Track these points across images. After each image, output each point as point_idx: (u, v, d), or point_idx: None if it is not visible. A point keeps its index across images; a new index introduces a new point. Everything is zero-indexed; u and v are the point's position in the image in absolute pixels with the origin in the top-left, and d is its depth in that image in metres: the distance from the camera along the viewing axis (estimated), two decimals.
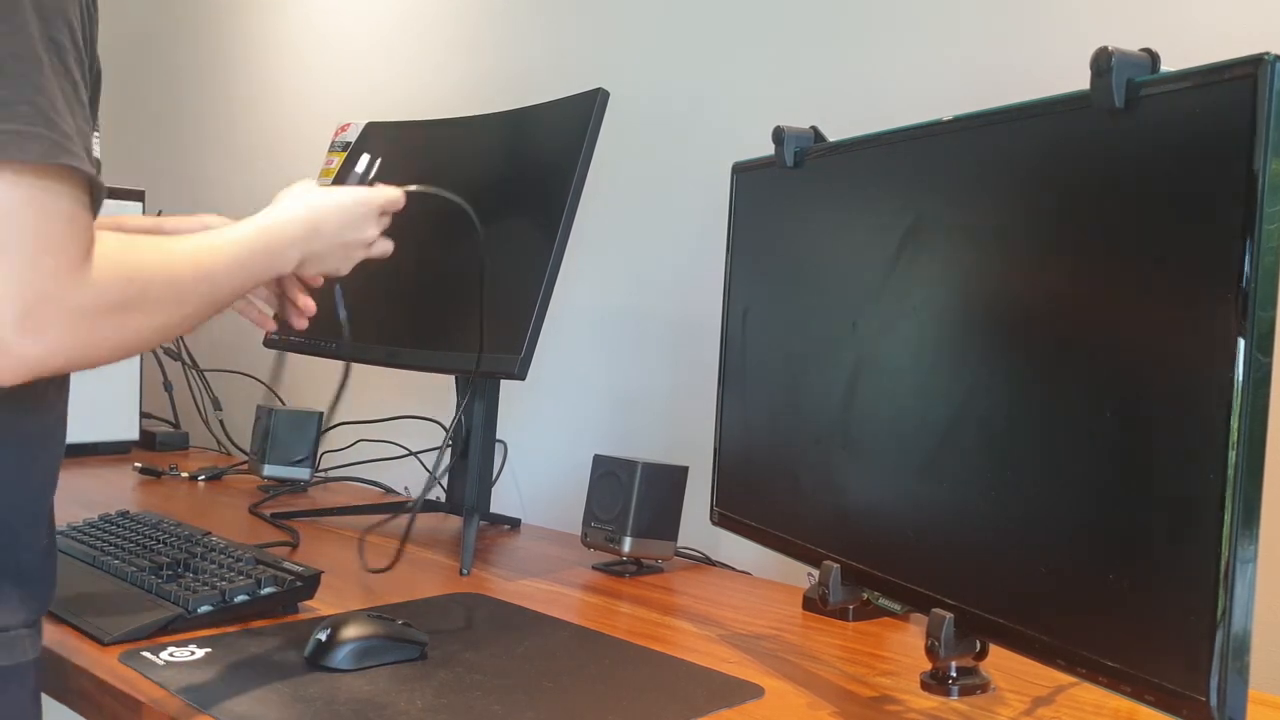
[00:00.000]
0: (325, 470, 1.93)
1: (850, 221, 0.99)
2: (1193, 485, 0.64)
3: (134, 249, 0.76)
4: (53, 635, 0.98)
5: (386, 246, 1.09)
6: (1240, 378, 0.61)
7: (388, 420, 1.87)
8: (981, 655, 0.83)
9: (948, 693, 0.84)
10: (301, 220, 0.97)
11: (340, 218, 1.01)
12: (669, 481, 1.35)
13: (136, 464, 1.97)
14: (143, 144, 2.70)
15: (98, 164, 0.75)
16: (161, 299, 0.77)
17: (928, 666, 0.85)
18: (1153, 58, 0.70)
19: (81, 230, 0.71)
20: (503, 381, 1.49)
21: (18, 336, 0.67)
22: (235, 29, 2.47)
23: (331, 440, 1.95)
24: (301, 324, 1.05)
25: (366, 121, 1.67)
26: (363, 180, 1.11)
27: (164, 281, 0.78)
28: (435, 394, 1.80)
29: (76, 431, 1.96)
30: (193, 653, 0.96)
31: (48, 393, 0.84)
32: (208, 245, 0.84)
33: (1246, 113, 0.62)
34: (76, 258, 0.70)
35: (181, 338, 2.30)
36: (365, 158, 1.16)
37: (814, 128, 1.07)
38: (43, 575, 0.86)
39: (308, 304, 1.05)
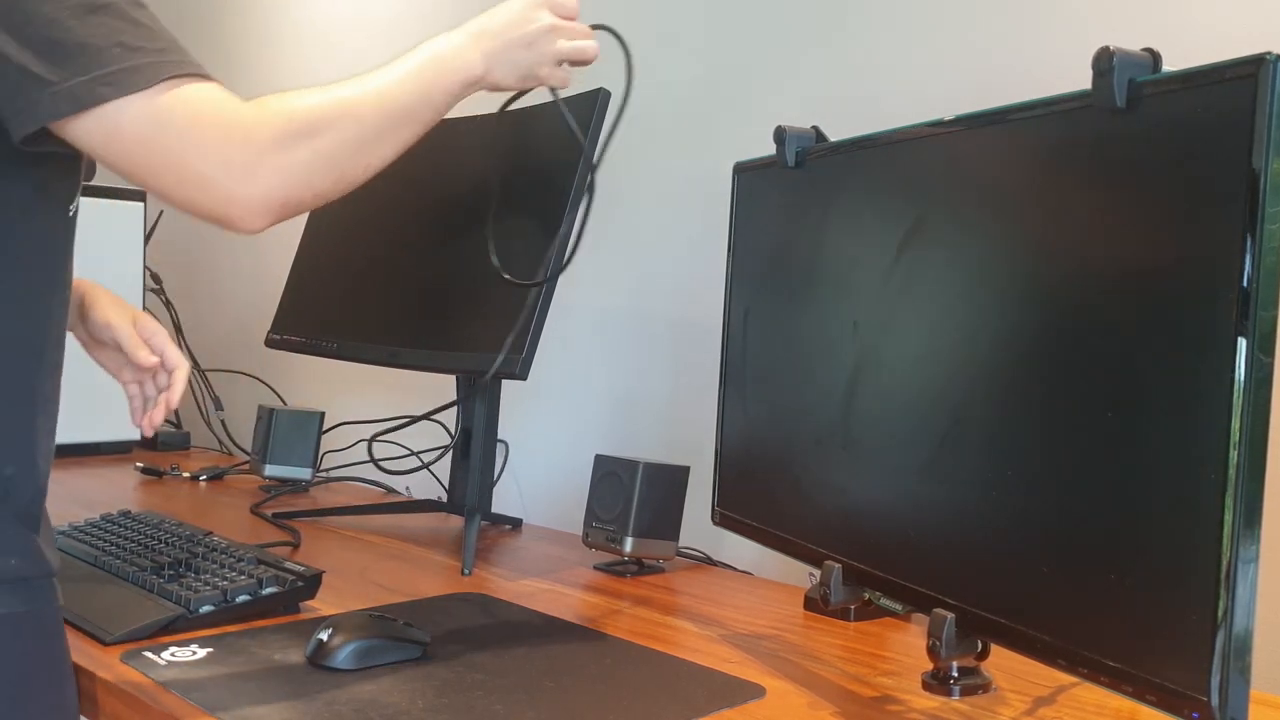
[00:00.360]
0: (326, 470, 1.93)
1: (851, 221, 0.99)
2: (1194, 485, 0.64)
3: (288, 92, 0.85)
4: None
5: (586, 46, 1.09)
6: (1242, 378, 0.61)
7: (389, 421, 1.87)
8: (983, 655, 0.83)
9: (949, 693, 0.84)
10: (463, 30, 1.01)
11: (505, 15, 1.04)
12: (670, 481, 1.35)
13: (138, 464, 1.97)
14: None
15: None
16: (334, 117, 0.85)
17: (929, 666, 0.85)
18: (1154, 57, 0.70)
19: (226, 95, 0.81)
20: (504, 381, 1.49)
21: (235, 187, 0.80)
22: (236, 28, 2.48)
23: (333, 440, 1.95)
24: (148, 430, 1.09)
25: None
26: None
27: (328, 103, 0.86)
28: (436, 394, 1.80)
29: (77, 431, 1.98)
30: (194, 652, 0.96)
31: (54, 351, 0.88)
32: (370, 72, 0.92)
33: (1247, 112, 0.62)
34: (237, 112, 0.80)
35: (182, 338, 2.31)
36: None
37: (815, 127, 1.07)
38: (50, 527, 0.89)
39: (155, 417, 1.08)
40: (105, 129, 0.76)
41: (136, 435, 2.14)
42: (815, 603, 1.20)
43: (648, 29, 1.64)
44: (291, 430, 1.80)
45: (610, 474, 1.35)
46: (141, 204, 2.13)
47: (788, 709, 0.90)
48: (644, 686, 0.92)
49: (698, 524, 1.35)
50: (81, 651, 0.95)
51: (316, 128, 0.84)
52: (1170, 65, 0.69)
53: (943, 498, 0.84)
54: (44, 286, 0.85)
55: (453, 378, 1.54)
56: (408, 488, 1.86)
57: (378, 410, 1.92)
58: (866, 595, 0.97)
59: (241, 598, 1.05)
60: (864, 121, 1.08)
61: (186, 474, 1.92)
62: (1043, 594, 0.74)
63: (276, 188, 0.82)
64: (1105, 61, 0.71)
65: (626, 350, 1.64)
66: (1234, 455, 0.61)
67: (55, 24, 0.74)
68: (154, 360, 1.04)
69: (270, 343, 1.68)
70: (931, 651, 0.82)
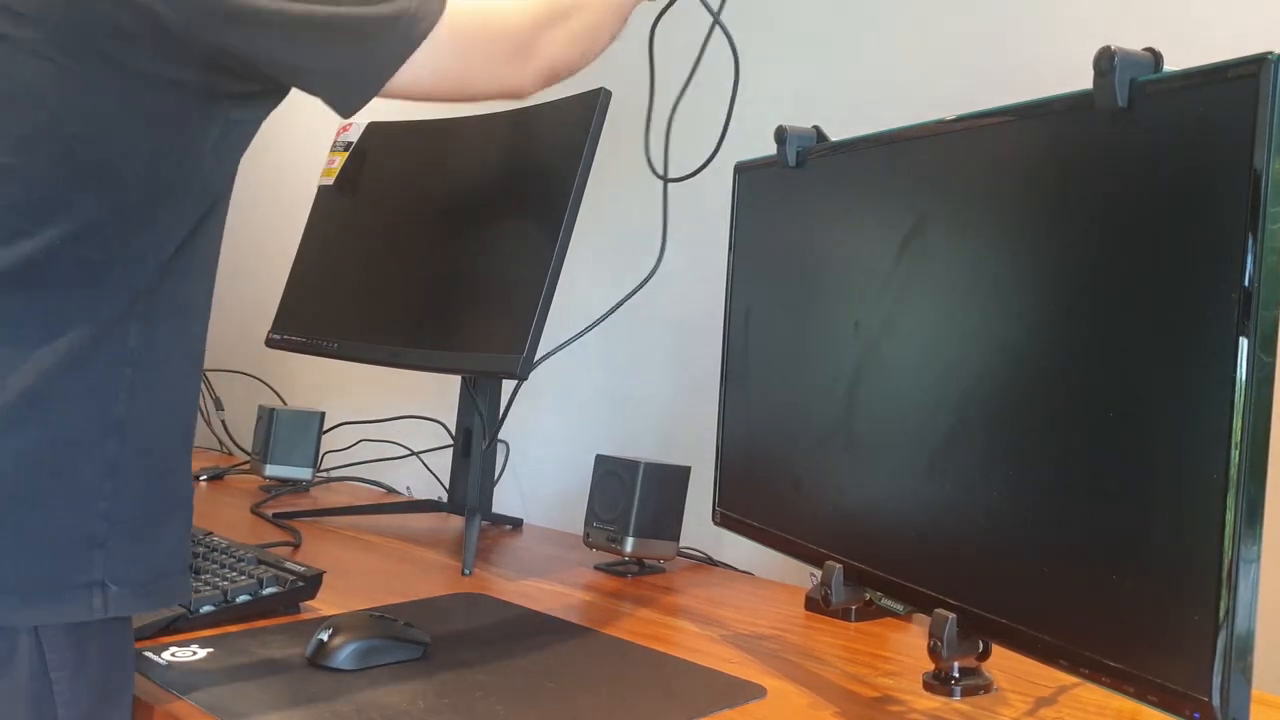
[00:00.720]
0: (327, 470, 1.93)
1: (853, 221, 0.98)
2: (1195, 485, 0.64)
3: None
4: None
5: None
6: (1243, 377, 0.61)
7: (390, 420, 1.87)
8: (984, 655, 0.83)
9: (950, 693, 0.83)
10: None
11: None
12: (671, 481, 1.35)
13: None
14: None
15: None
16: (574, 5, 0.98)
17: (930, 667, 0.85)
18: (1155, 57, 0.70)
19: (485, 7, 0.91)
20: (504, 381, 1.49)
21: (523, 69, 0.94)
22: None
23: (333, 440, 1.95)
24: None
25: (368, 121, 1.67)
26: None
27: None
28: (437, 394, 1.80)
29: None
30: (195, 652, 0.96)
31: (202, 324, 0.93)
32: None
33: (1249, 112, 0.62)
34: (504, 9, 0.92)
35: None
36: None
37: (816, 127, 1.07)
38: None
39: None
40: (420, 63, 0.84)
41: None
42: (816, 603, 1.20)
43: (646, 28, 1.63)
44: (292, 430, 1.80)
45: (611, 474, 1.35)
46: None
47: (788, 709, 0.90)
48: (644, 686, 0.92)
49: (698, 524, 1.35)
50: None
51: (567, 12, 0.97)
52: (1171, 65, 0.69)
53: (944, 498, 0.84)
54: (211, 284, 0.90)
55: (452, 378, 1.54)
56: (408, 488, 1.86)
57: (378, 410, 1.93)
58: (868, 595, 0.97)
59: (242, 598, 1.05)
60: (864, 121, 1.08)
61: None
62: (1044, 594, 0.74)
63: (548, 60, 0.96)
64: (1106, 61, 0.71)
65: (627, 350, 1.64)
66: (1235, 455, 0.61)
67: None
68: None
69: (270, 343, 1.68)
70: (933, 652, 0.82)
